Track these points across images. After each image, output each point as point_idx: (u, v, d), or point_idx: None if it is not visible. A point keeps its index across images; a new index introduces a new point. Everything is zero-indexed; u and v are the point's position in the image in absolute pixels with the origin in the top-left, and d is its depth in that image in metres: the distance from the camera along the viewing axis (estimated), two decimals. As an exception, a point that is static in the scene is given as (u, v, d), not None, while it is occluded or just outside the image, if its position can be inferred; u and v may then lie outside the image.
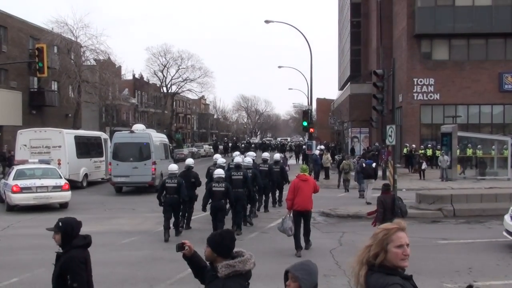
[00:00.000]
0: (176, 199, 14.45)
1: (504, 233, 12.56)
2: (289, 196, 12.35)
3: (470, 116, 41.77)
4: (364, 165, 22.18)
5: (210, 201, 13.78)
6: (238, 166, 15.87)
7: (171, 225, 14.39)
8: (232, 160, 17.62)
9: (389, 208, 11.86)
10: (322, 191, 24.24)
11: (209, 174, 16.73)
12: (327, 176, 32.05)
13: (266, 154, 20.38)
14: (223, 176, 14.21)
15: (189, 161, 17.01)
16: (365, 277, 3.32)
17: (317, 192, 12.82)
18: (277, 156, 21.55)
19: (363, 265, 3.36)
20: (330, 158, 34.48)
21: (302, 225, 12.43)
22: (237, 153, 21.47)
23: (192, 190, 15.77)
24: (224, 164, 17.67)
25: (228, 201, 14.05)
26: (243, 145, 73.82)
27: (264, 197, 19.25)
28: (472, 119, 41.78)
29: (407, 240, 3.34)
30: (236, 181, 15.00)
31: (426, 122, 42.31)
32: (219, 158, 18.31)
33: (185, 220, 15.74)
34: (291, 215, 12.23)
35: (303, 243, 12.49)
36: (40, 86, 44.59)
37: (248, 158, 18.10)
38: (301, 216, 12.32)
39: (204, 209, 14.55)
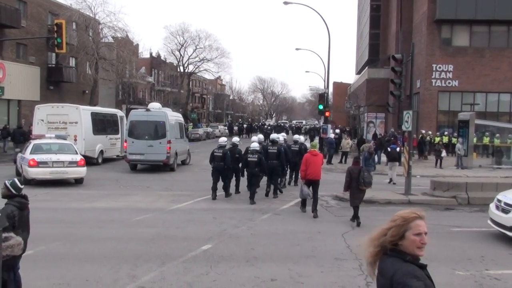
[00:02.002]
0: (221, 166, 17.48)
1: (489, 222, 12.53)
2: (302, 168, 15.11)
3: (489, 104, 41.27)
4: (389, 149, 23.98)
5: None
6: (273, 142, 18.97)
7: (218, 187, 17.50)
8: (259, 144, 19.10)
9: (355, 178, 13.59)
10: (337, 176, 24.35)
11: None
12: (345, 161, 31.45)
13: (297, 136, 22.66)
14: (257, 148, 17.60)
15: (235, 139, 19.55)
16: (376, 258, 3.31)
17: (322, 164, 15.76)
18: (296, 137, 22.69)
19: (376, 247, 3.34)
20: (350, 142, 33.94)
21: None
22: (260, 136, 23.00)
23: (236, 163, 18.16)
24: (225, 143, 19.03)
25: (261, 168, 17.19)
26: (257, 127, 73.73)
27: (294, 173, 21.34)
28: (490, 107, 41.28)
29: (425, 229, 3.31)
30: (271, 154, 17.97)
31: (444, 109, 41.92)
32: (254, 139, 19.73)
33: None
34: (304, 183, 14.87)
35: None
36: (58, 62, 44.80)
37: (281, 138, 20.88)
38: (312, 184, 14.91)
39: (242, 175, 18.16)
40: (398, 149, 24.08)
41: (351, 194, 13.87)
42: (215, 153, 17.66)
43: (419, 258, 3.31)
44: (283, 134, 24.26)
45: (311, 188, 14.94)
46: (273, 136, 20.39)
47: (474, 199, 17.48)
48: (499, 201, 12.37)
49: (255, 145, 17.68)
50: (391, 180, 23.00)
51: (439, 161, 30.52)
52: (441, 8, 40.44)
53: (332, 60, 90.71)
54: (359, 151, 29.52)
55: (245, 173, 17.64)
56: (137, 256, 9.87)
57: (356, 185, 13.60)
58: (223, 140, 18.86)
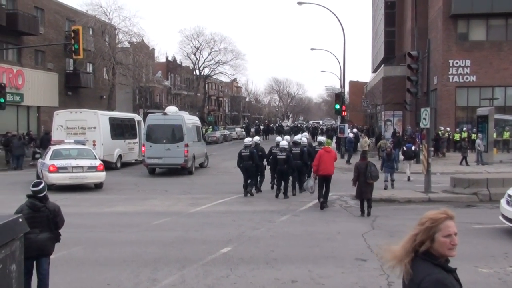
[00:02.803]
0: (249, 164, 18.64)
1: (500, 218, 12.32)
2: (315, 163, 15.99)
3: (508, 98, 40.66)
4: (405, 148, 24.31)
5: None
6: (296, 143, 19.75)
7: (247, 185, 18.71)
8: (277, 144, 19.38)
9: (363, 172, 14.40)
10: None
11: (271, 153, 19.69)
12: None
13: (321, 138, 23.05)
14: (286, 146, 18.48)
15: (256, 138, 21.17)
16: (411, 263, 3.21)
17: (336, 160, 16.95)
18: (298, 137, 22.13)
19: (409, 253, 3.24)
20: (368, 141, 33.57)
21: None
22: (287, 138, 23.35)
23: (260, 161, 19.47)
24: (250, 143, 20.03)
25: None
26: (274, 128, 73.67)
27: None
28: (510, 101, 40.66)
29: (455, 229, 3.22)
30: (295, 154, 18.69)
31: (462, 105, 41.45)
32: (279, 139, 20.29)
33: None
34: (316, 178, 15.94)
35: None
36: (76, 68, 45.23)
37: (304, 139, 21.33)
38: (324, 179, 15.86)
39: (272, 172, 19.51)
40: (413, 147, 24.80)
41: (359, 188, 14.66)
42: (242, 153, 18.91)
43: (449, 260, 3.23)
44: (306, 134, 25.13)
45: (316, 182, 16.07)
46: (296, 137, 21.38)
47: (495, 195, 17.17)
48: (510, 196, 12.16)
49: (284, 143, 18.67)
50: (409, 178, 22.87)
51: (464, 160, 29.24)
52: (457, 3, 40.01)
53: (347, 59, 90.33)
54: (378, 149, 29.43)
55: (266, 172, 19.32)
56: (157, 260, 9.87)
57: (364, 179, 14.41)
58: (248, 140, 20.21)
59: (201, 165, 29.33)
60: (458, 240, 3.23)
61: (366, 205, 14.72)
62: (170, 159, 25.55)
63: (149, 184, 22.57)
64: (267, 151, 20.49)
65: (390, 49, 62.82)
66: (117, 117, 31.31)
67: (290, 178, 18.87)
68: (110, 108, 43.96)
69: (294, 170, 18.69)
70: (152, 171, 26.56)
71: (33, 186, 7.20)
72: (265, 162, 20.31)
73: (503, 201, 12.44)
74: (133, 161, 31.54)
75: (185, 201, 17.46)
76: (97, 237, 11.94)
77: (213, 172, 27.91)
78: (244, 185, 18.73)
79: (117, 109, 45.27)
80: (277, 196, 18.03)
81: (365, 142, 32.15)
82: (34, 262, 7.23)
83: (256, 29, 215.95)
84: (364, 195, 14.60)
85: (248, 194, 18.61)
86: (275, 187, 19.08)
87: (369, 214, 14.57)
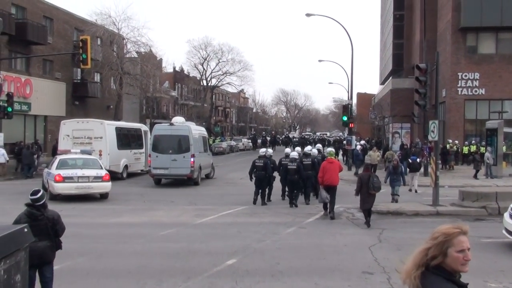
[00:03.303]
0: (263, 175, 19.09)
1: (504, 232, 12.21)
2: (320, 174, 16.63)
3: (517, 112, 40.44)
4: (410, 160, 24.46)
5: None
6: (307, 154, 20.62)
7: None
8: (286, 155, 19.93)
9: (365, 183, 14.79)
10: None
11: (281, 164, 19.97)
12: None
13: (331, 149, 23.31)
14: (296, 157, 19.37)
15: (269, 151, 21.43)
16: (420, 277, 3.17)
17: (341, 171, 17.79)
18: (303, 150, 23.08)
19: (419, 267, 3.20)
20: (379, 154, 32.27)
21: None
22: (298, 149, 24.17)
23: (271, 172, 19.71)
24: (265, 153, 20.55)
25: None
26: (280, 139, 73.67)
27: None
28: (519, 114, 40.44)
29: (468, 244, 3.19)
30: (306, 165, 19.38)
31: (471, 118, 41.27)
32: (288, 151, 21.31)
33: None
34: (323, 188, 16.42)
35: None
36: (83, 77, 45.44)
37: (315, 150, 22.39)
38: (329, 190, 16.33)
39: (282, 182, 19.80)
40: (418, 159, 25.11)
41: (362, 199, 15.02)
42: (256, 163, 19.41)
43: (461, 275, 3.20)
44: (319, 146, 25.93)
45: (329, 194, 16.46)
46: (307, 148, 22.45)
47: (505, 209, 16.88)
48: None
49: (294, 154, 19.59)
50: (411, 190, 23.33)
51: (477, 172, 28.90)
52: (466, 16, 39.98)
53: (355, 70, 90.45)
54: (385, 161, 29.68)
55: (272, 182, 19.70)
56: (162, 271, 9.84)
57: (366, 190, 14.78)
58: (263, 150, 21.09)
59: (207, 176, 29.31)
60: (471, 256, 3.20)
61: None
62: (176, 170, 25.55)
63: (155, 195, 22.57)
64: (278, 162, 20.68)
65: (399, 62, 62.84)
66: (123, 127, 31.40)
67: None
68: (117, 118, 44.09)
69: (305, 180, 19.19)
70: (158, 181, 26.56)
71: (31, 195, 7.22)
72: (275, 174, 20.47)
73: (506, 215, 12.35)
74: (139, 171, 31.56)
75: (190, 212, 17.44)
76: (102, 248, 11.93)
77: (219, 183, 27.88)
78: (255, 195, 19.19)
79: (124, 119, 45.38)
80: (291, 206, 18.57)
81: (377, 156, 31.46)
82: (37, 271, 7.25)
83: (264, 40, 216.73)
84: (366, 205, 15.00)
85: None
86: (286, 198, 19.62)
87: (368, 224, 14.79)
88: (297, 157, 19.49)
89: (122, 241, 12.73)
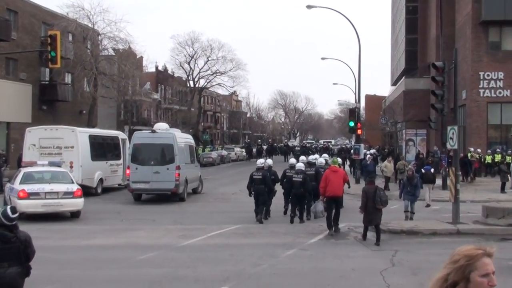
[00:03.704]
0: (261, 188, 19.30)
1: None
2: (322, 185, 16.85)
3: (547, 116, 40.62)
4: (423, 170, 24.62)
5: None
6: (311, 163, 21.36)
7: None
8: (291, 166, 20.49)
9: (371, 197, 15.09)
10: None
11: (285, 176, 20.56)
12: (386, 187, 28.91)
13: (337, 159, 24.32)
14: (303, 168, 19.68)
15: (269, 161, 22.02)
16: None
17: (347, 181, 18.74)
18: (306, 160, 23.42)
19: None
20: (392, 166, 31.49)
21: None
22: (293, 160, 23.68)
23: (272, 184, 20.02)
24: (263, 165, 20.76)
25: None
26: (278, 148, 73.86)
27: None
28: (549, 119, 40.62)
29: (493, 268, 3.15)
30: (309, 176, 19.53)
31: (494, 123, 41.37)
32: (293, 161, 21.76)
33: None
34: (324, 200, 16.95)
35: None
36: (52, 78, 45.36)
37: (321, 159, 23.37)
38: (333, 201, 16.62)
39: (285, 196, 20.28)
40: (432, 170, 25.33)
41: (368, 214, 15.34)
42: (254, 176, 19.68)
43: None
44: (325, 155, 26.90)
45: (322, 205, 17.54)
46: (311, 157, 23.07)
47: (535, 227, 17.07)
48: None
49: (300, 165, 19.90)
50: (429, 204, 23.67)
51: (503, 185, 29.00)
52: (488, 8, 40.16)
53: (363, 70, 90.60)
54: (396, 172, 30.25)
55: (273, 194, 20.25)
56: (142, 302, 9.74)
57: (373, 204, 15.12)
58: (260, 162, 21.23)
59: (195, 191, 29.26)
60: (496, 280, 3.15)
61: (375, 232, 15.49)
62: (158, 184, 25.47)
63: (134, 213, 22.52)
64: (282, 173, 21.04)
65: (412, 59, 63.09)
66: (98, 135, 31.33)
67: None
68: (90, 124, 44.04)
69: (310, 194, 19.59)
70: (138, 197, 26.46)
71: (3, 215, 7.06)
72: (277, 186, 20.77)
73: None
74: (116, 185, 31.48)
75: (175, 233, 17.38)
76: (72, 275, 11.82)
77: (208, 199, 27.85)
78: (255, 210, 19.47)
79: (99, 126, 45.30)
80: (291, 221, 18.87)
81: (391, 167, 30.90)
82: None
83: (259, 36, 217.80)
84: (373, 221, 15.34)
85: (258, 222, 19.18)
86: (288, 212, 19.93)
87: (378, 243, 15.13)
88: (303, 168, 19.78)
89: (95, 266, 12.62)
